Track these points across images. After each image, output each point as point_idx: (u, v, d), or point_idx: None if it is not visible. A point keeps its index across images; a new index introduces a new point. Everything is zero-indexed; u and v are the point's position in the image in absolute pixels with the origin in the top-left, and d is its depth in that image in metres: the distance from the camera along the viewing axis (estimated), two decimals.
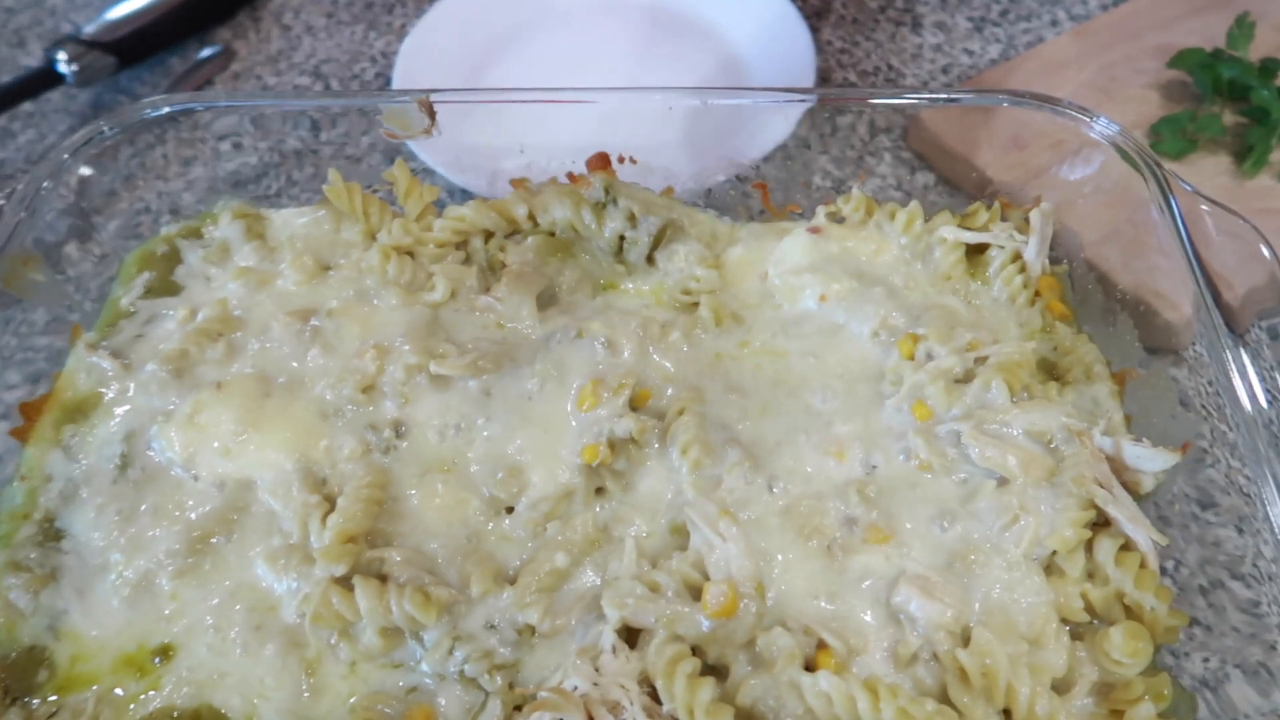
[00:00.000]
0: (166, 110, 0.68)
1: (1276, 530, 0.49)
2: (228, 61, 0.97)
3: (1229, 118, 0.79)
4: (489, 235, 0.66)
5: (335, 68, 0.98)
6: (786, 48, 0.89)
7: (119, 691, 0.51)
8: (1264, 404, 0.51)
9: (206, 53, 0.97)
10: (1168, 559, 0.56)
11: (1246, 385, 0.52)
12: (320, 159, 0.83)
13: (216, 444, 0.56)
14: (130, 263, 0.68)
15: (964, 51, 0.93)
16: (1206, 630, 0.53)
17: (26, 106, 0.93)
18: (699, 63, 0.93)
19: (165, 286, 0.67)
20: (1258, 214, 0.73)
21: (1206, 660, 0.52)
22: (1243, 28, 0.80)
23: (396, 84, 0.90)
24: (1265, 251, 0.58)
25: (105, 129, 0.66)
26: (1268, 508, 0.49)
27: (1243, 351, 0.54)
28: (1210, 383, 0.56)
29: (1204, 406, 0.57)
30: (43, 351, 0.63)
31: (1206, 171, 0.77)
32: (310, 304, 0.62)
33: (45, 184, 0.63)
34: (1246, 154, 0.76)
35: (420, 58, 0.92)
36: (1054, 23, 0.95)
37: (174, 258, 0.68)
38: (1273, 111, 0.76)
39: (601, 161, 0.69)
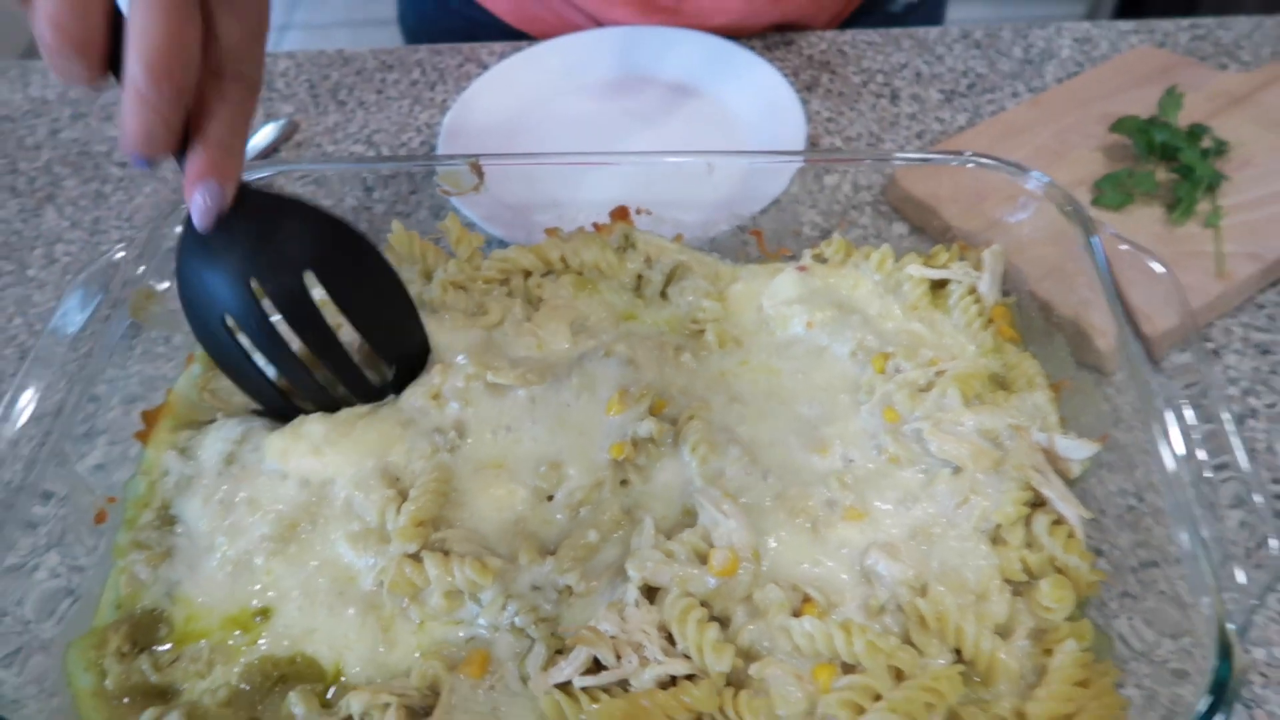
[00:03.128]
0: (253, 177, 0.81)
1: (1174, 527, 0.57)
2: (292, 132, 1.11)
3: (1161, 175, 0.91)
4: (528, 274, 0.79)
5: (385, 137, 1.11)
6: (781, 117, 1.02)
7: (230, 643, 0.62)
8: (1178, 436, 0.59)
9: (275, 125, 1.11)
10: (1105, 543, 0.66)
11: (1161, 407, 0.60)
12: (374, 214, 0.97)
13: (309, 447, 0.68)
14: None
15: (936, 119, 1.06)
16: (1133, 599, 0.63)
17: (117, 171, 1.07)
18: (705, 129, 1.06)
19: None
20: (1186, 256, 0.85)
21: (1131, 619, 0.61)
22: (1172, 98, 0.93)
23: (441, 150, 1.03)
24: (1174, 288, 0.69)
25: None
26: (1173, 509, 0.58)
27: (1160, 377, 0.62)
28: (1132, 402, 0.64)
29: (1128, 421, 0.65)
30: (164, 369, 0.76)
31: (1142, 220, 0.88)
32: None
33: (161, 233, 0.76)
34: (1176, 205, 0.88)
35: (462, 127, 1.05)
36: (1014, 94, 1.08)
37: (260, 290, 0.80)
38: (1197, 169, 0.88)
39: (621, 213, 0.81)
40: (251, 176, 0.80)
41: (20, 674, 0.59)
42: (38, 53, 0.54)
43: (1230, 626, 0.50)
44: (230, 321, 0.64)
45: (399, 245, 0.79)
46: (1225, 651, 0.49)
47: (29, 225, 1.04)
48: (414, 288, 0.77)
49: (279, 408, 0.70)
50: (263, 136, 1.08)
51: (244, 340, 0.65)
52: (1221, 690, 0.48)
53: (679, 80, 1.11)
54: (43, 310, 0.95)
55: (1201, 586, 0.53)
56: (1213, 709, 0.47)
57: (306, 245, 0.63)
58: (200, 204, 0.57)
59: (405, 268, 0.79)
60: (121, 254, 0.75)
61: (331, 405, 0.69)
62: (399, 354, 0.71)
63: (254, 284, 0.62)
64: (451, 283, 0.75)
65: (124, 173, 1.09)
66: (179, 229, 0.64)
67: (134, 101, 0.50)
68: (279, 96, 1.16)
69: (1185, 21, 1.13)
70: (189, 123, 0.54)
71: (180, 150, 0.55)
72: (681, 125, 1.06)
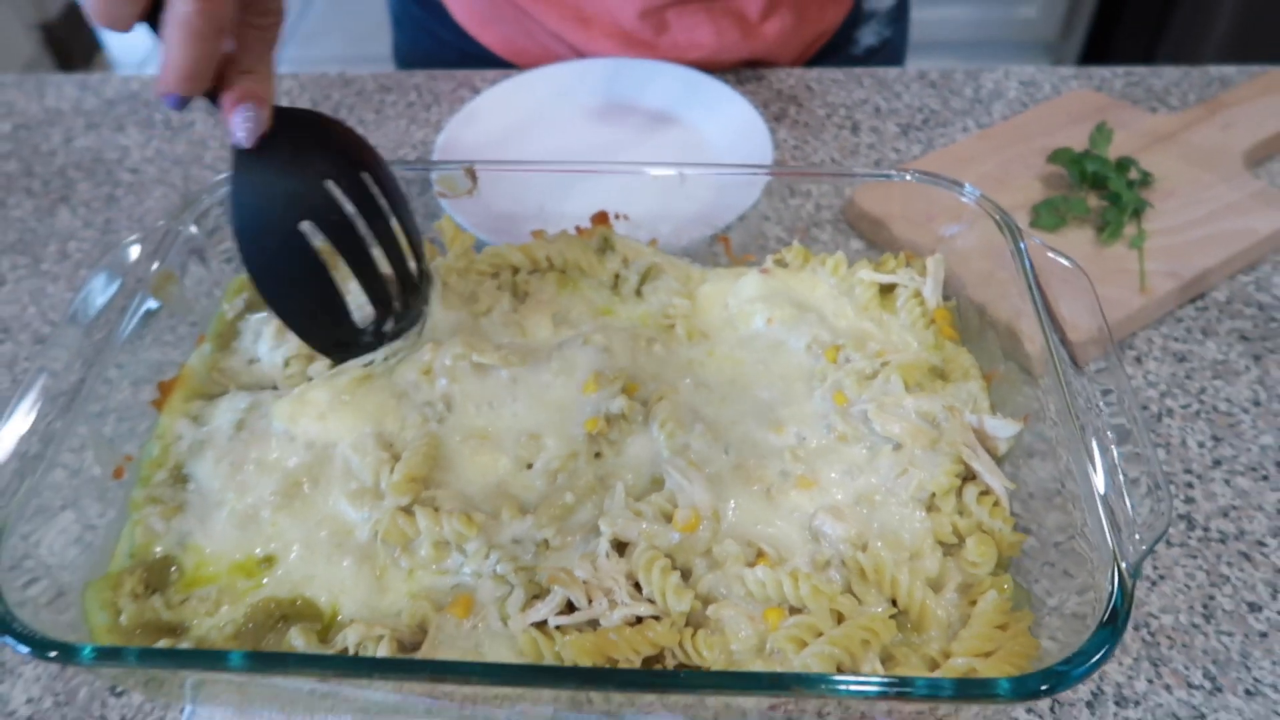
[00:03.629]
0: None
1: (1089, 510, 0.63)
2: None
3: (1092, 201, 1.00)
4: (516, 270, 0.86)
5: (383, 153, 1.16)
6: (750, 144, 1.11)
7: (236, 586, 0.68)
8: (1094, 432, 0.65)
9: None
10: (1033, 522, 0.73)
11: (1081, 405, 0.66)
12: None
13: (315, 414, 0.75)
14: (233, 287, 0.87)
15: (893, 150, 1.15)
16: (1051, 566, 0.69)
17: (128, 177, 1.14)
18: (681, 153, 1.14)
19: (258, 304, 0.86)
20: (1112, 273, 0.94)
21: (1048, 582, 0.68)
22: (1103, 133, 1.03)
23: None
24: (1094, 296, 0.76)
25: (206, 197, 0.85)
26: (1087, 492, 0.64)
27: (1082, 378, 0.69)
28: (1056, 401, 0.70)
29: (1053, 418, 0.70)
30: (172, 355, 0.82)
31: (1074, 241, 0.97)
32: None
33: (179, 227, 0.83)
34: (1105, 228, 0.97)
35: (455, 146, 1.13)
36: (964, 129, 1.17)
37: None
38: (1124, 196, 0.97)
39: (601, 218, 0.89)
40: None
41: (45, 610, 0.65)
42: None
43: (1123, 564, 0.57)
44: (307, 227, 0.65)
45: (447, 236, 0.86)
46: (1119, 582, 0.56)
47: (43, 224, 1.11)
48: None
49: (325, 337, 0.73)
50: None
51: (312, 259, 0.67)
52: (1115, 613, 0.55)
53: (658, 109, 1.20)
54: (55, 301, 1.02)
55: (1104, 545, 0.60)
56: (1110, 618, 0.54)
57: (352, 147, 0.68)
58: (242, 124, 0.61)
59: None
60: (136, 246, 0.82)
61: (375, 329, 0.74)
62: (413, 273, 0.74)
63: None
64: (452, 269, 0.82)
65: (134, 178, 1.16)
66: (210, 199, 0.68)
67: (181, 37, 0.55)
68: None
69: (1121, 69, 1.24)
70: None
71: (211, 91, 0.61)
72: (660, 149, 1.15)
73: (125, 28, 0.57)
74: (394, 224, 0.71)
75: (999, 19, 3.23)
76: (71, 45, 3.44)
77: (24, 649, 0.56)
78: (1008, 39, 3.26)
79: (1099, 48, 3.07)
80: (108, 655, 0.57)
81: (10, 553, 0.62)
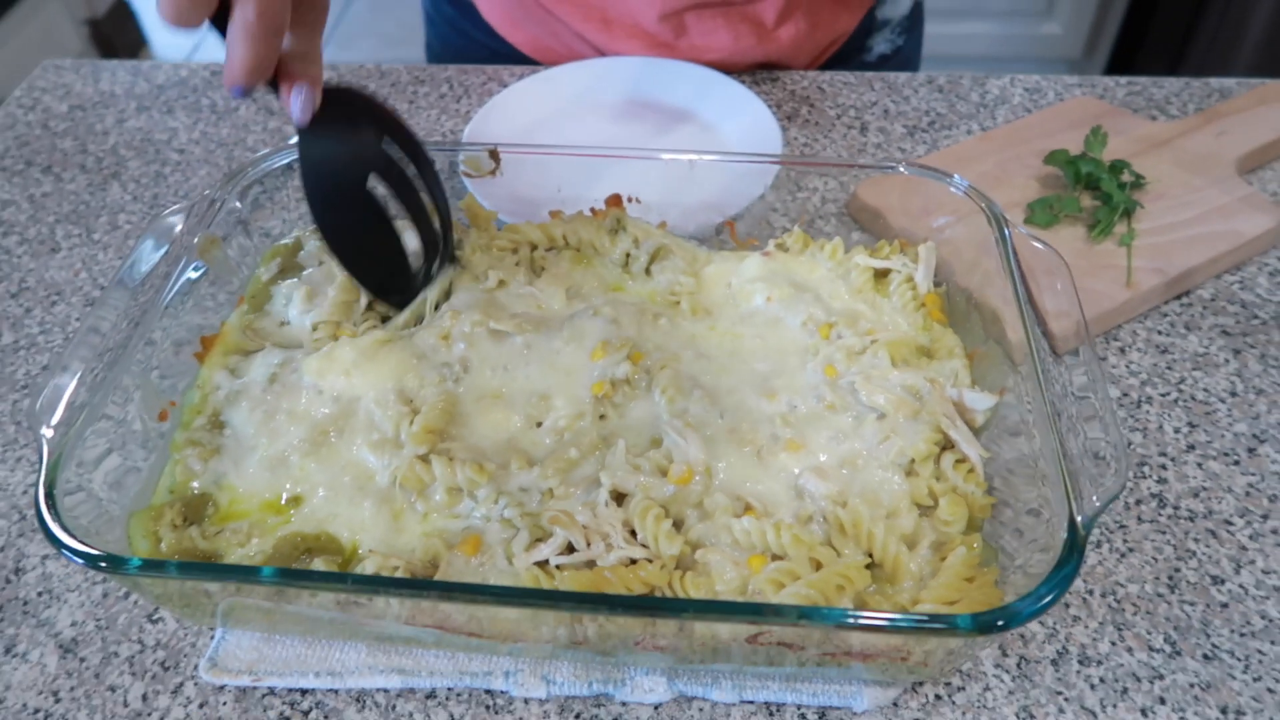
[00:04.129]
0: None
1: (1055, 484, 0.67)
2: None
3: (1085, 201, 1.05)
4: (534, 247, 0.92)
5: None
6: (763, 141, 1.16)
7: (267, 522, 0.74)
8: (1067, 413, 0.70)
9: None
10: (1009, 495, 0.77)
11: (1058, 391, 0.71)
12: None
13: (341, 369, 0.81)
14: (269, 254, 0.94)
15: (898, 149, 1.20)
16: (1020, 534, 0.73)
17: (175, 156, 1.21)
18: (696, 148, 1.20)
19: (292, 267, 0.93)
20: (1101, 268, 0.99)
21: (1016, 546, 0.73)
22: (1097, 136, 1.07)
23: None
24: (1070, 282, 0.80)
25: (251, 170, 0.92)
26: (1056, 470, 0.68)
27: (1060, 366, 0.73)
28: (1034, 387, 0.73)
29: (1031, 401, 0.74)
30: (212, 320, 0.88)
31: (1066, 237, 1.02)
32: None
33: (223, 195, 0.89)
34: (1095, 225, 1.02)
35: (482, 136, 1.20)
36: (969, 132, 1.22)
37: (297, 248, 0.94)
38: (1115, 196, 1.02)
39: (615, 200, 0.95)
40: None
41: (94, 537, 0.71)
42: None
43: (1079, 517, 0.62)
44: (372, 181, 0.77)
45: (469, 212, 0.93)
46: (1072, 529, 0.61)
47: (95, 198, 1.18)
48: None
49: (383, 280, 0.84)
50: None
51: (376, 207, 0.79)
52: (1068, 556, 0.60)
53: (676, 106, 1.26)
54: (105, 268, 1.09)
55: (1063, 502, 0.65)
56: (1063, 561, 0.59)
57: (387, 115, 0.78)
58: (299, 105, 0.71)
59: None
60: (180, 215, 0.88)
61: (425, 271, 0.85)
62: (439, 235, 0.84)
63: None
64: (476, 246, 0.88)
65: (181, 158, 1.23)
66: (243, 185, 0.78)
67: (245, 39, 0.64)
68: None
69: (1124, 79, 1.28)
70: None
71: (270, 78, 0.70)
72: (676, 143, 1.21)
73: (192, 26, 0.65)
74: (426, 180, 0.82)
75: (1023, 35, 3.27)
76: (118, 40, 3.56)
77: (79, 560, 0.63)
78: (1031, 55, 3.30)
79: (1122, 67, 3.10)
80: (151, 567, 0.63)
81: (64, 485, 0.69)
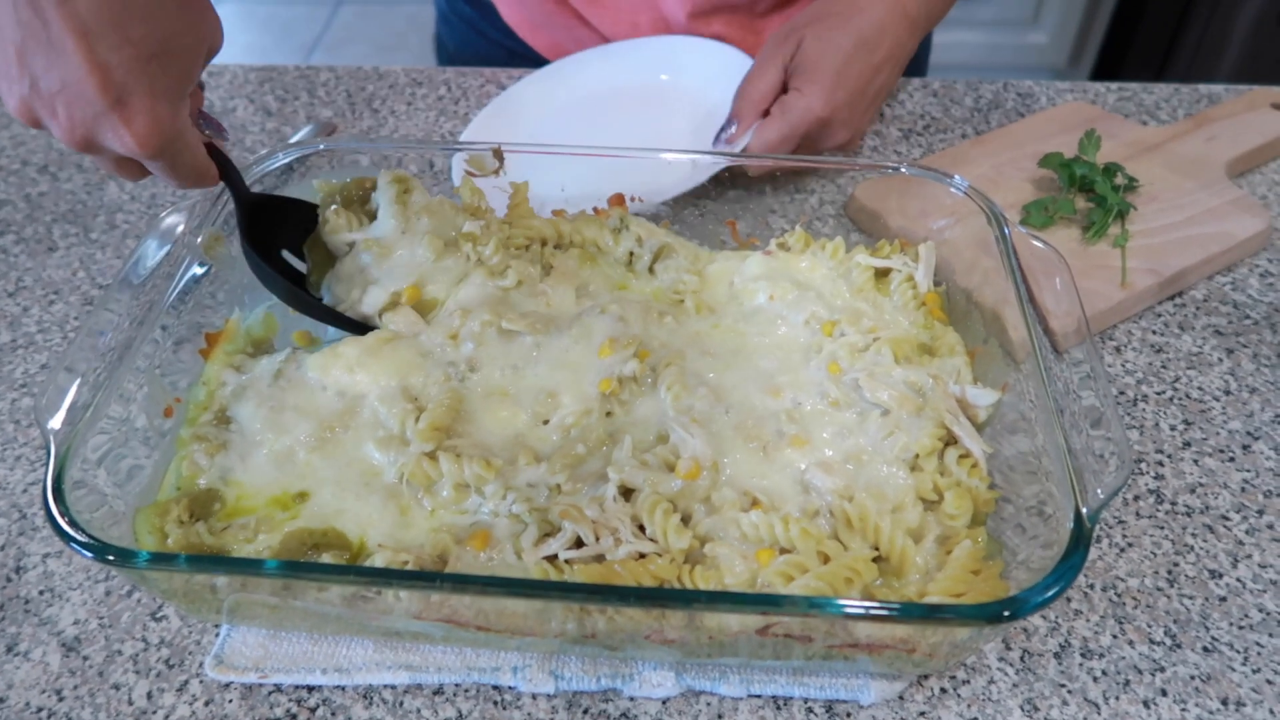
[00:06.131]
0: (312, 150, 0.95)
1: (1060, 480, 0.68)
2: (331, 132, 1.26)
3: (1080, 203, 1.06)
4: (544, 243, 0.93)
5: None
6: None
7: (274, 518, 0.74)
8: (1070, 410, 0.71)
9: (313, 126, 1.26)
10: (1012, 492, 0.78)
11: (1059, 389, 0.72)
12: None
13: (344, 366, 0.81)
14: None
15: (894, 151, 1.21)
16: (1023, 529, 0.75)
17: None
18: (700, 127, 1.17)
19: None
20: (1095, 268, 1.00)
21: (1020, 541, 0.74)
22: (1091, 139, 1.09)
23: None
24: (1070, 279, 0.82)
25: (250, 169, 0.92)
26: (1060, 467, 0.68)
27: (1061, 364, 0.74)
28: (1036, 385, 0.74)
29: (1032, 399, 0.75)
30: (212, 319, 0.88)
31: (1061, 239, 1.03)
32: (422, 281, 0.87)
33: (224, 194, 0.89)
34: (1090, 227, 1.03)
35: (482, 135, 1.20)
36: (963, 135, 1.24)
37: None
38: (1109, 199, 1.04)
39: (618, 200, 0.96)
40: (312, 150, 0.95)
41: (100, 532, 0.71)
42: None
43: (1084, 509, 0.63)
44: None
45: (466, 195, 0.92)
46: (1078, 521, 0.62)
47: (93, 197, 1.18)
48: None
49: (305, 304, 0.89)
50: (305, 134, 1.23)
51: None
52: (1074, 548, 0.61)
53: (681, 99, 1.22)
54: (103, 267, 1.09)
55: (1068, 496, 0.66)
56: (1069, 553, 0.60)
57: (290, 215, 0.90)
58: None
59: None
60: (179, 214, 0.88)
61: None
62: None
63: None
64: (500, 243, 0.88)
65: None
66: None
67: (171, 180, 0.76)
68: (320, 102, 1.31)
69: (1115, 85, 1.30)
70: None
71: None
72: (680, 142, 1.19)
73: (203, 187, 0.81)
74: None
75: (1010, 45, 3.31)
76: None
77: (89, 554, 0.63)
78: (1018, 64, 3.34)
79: (1108, 76, 3.14)
80: (160, 560, 0.63)
81: (70, 480, 0.68)
